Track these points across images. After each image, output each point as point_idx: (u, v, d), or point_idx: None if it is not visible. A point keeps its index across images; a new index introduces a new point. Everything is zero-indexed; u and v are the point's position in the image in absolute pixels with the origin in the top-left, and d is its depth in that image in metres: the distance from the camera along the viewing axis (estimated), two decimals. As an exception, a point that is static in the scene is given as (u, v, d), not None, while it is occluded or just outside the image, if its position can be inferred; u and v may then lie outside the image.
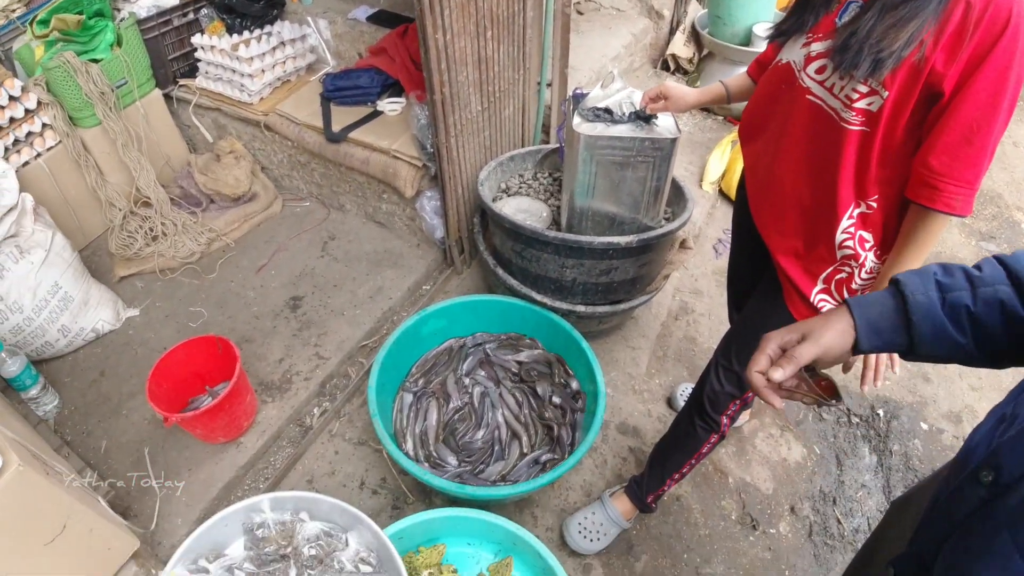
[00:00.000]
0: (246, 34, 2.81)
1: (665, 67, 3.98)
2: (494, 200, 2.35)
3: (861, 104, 1.20)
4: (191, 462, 2.05)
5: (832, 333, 0.86)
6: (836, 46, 1.19)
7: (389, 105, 2.73)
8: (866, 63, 1.15)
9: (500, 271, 2.21)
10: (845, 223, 1.32)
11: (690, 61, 3.97)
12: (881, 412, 2.53)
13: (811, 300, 1.41)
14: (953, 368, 2.78)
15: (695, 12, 4.14)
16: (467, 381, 2.16)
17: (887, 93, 1.16)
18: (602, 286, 2.11)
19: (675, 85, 1.69)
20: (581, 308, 2.14)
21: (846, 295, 1.39)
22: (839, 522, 2.15)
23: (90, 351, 2.40)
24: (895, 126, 1.20)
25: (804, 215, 1.39)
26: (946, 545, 0.73)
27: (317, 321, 2.49)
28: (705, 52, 4.02)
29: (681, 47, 3.92)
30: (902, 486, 2.28)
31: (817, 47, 1.27)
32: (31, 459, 1.45)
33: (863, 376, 1.30)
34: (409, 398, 2.10)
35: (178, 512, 1.93)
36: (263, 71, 2.81)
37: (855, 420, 2.48)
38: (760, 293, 1.58)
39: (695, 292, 2.88)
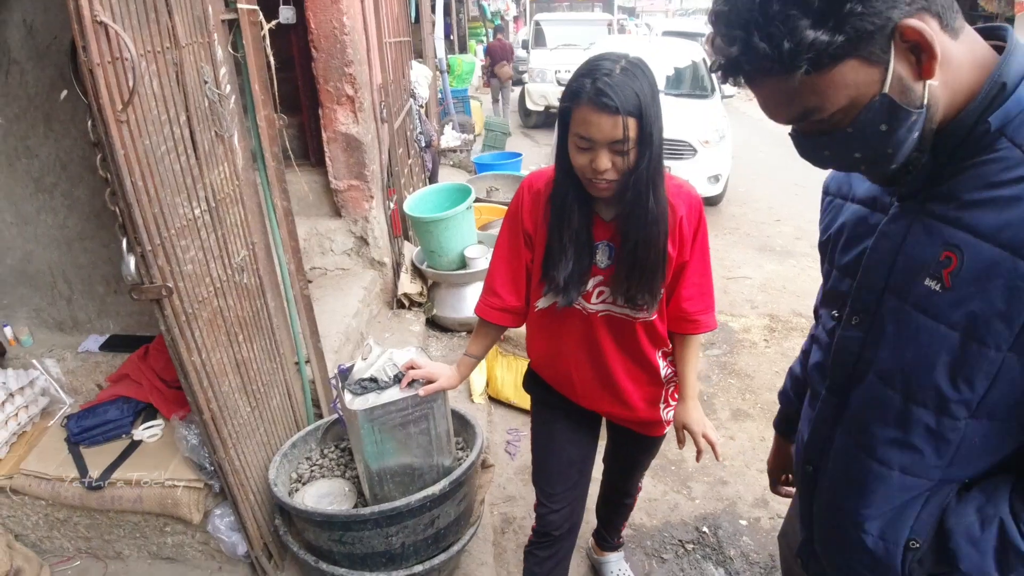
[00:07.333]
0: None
1: (400, 305, 4.31)
2: (291, 494, 2.27)
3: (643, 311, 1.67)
4: None
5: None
6: (612, 290, 1.65)
7: (147, 432, 2.55)
8: (641, 299, 1.63)
9: (324, 565, 2.09)
10: (660, 364, 1.80)
11: (420, 294, 4.36)
12: (706, 529, 2.80)
13: (664, 419, 1.88)
14: (740, 461, 3.23)
15: (411, 251, 4.62)
16: None
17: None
18: (431, 537, 2.11)
19: (439, 371, 1.88)
20: (418, 568, 2.09)
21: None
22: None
23: None
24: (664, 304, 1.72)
25: (635, 380, 1.81)
26: (814, 507, 1.21)
27: None
28: (431, 283, 4.46)
29: (409, 285, 4.31)
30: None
31: (592, 282, 1.66)
32: None
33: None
34: None
35: None
36: (-4, 431, 2.46)
37: (689, 547, 2.71)
38: (614, 449, 2.15)
39: (509, 499, 2.99)
